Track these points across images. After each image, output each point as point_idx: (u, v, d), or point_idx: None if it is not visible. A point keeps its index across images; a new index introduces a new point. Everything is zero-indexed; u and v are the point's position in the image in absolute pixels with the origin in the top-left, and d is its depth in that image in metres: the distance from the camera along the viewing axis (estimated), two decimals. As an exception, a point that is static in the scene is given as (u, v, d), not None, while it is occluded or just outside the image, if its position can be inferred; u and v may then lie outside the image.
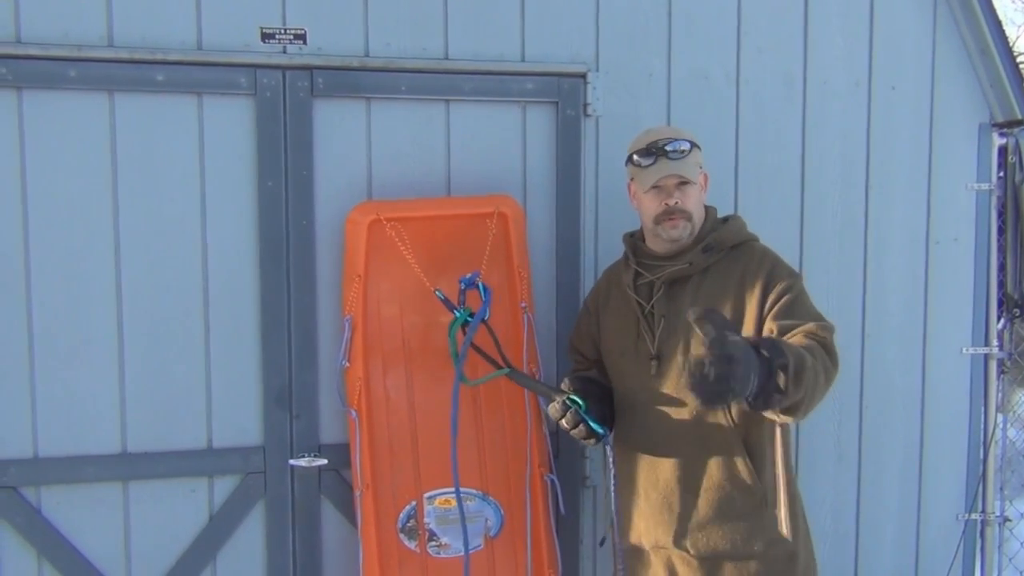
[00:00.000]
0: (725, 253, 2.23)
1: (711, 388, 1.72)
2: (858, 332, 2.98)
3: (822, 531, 2.98)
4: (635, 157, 2.26)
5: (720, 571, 2.18)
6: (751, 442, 2.15)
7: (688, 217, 2.21)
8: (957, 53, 2.99)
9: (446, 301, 2.41)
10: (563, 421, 2.23)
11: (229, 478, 2.56)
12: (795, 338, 2.03)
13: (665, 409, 2.20)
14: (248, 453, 2.56)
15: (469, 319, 2.39)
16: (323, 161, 2.56)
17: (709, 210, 2.31)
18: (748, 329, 2.14)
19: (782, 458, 2.15)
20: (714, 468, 2.16)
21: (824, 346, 2.03)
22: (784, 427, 2.14)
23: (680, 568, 2.22)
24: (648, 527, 2.25)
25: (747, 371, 1.75)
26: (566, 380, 2.32)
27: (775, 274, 2.17)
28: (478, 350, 2.43)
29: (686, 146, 2.21)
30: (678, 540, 2.20)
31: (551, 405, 2.27)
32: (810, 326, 2.06)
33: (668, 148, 2.20)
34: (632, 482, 2.28)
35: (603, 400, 2.31)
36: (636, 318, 2.27)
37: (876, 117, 2.95)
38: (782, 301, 2.12)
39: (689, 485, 2.18)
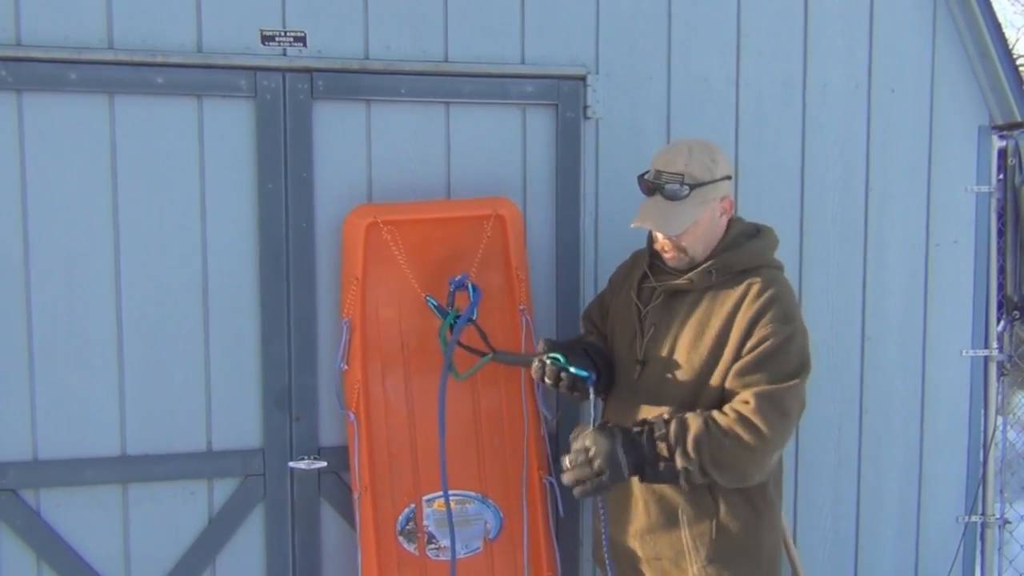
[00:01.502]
0: (731, 276, 2.15)
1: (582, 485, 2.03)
2: (858, 334, 2.98)
3: (822, 533, 2.99)
4: (640, 182, 2.20)
5: None
6: None
7: (684, 250, 2.15)
8: (957, 56, 2.99)
9: (437, 308, 2.43)
10: (546, 379, 2.18)
11: (228, 480, 2.56)
12: (717, 409, 2.05)
13: (640, 412, 2.19)
14: (247, 455, 2.56)
15: (457, 320, 2.41)
16: (323, 163, 2.56)
17: (734, 224, 2.20)
18: (726, 361, 2.09)
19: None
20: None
21: (746, 416, 1.99)
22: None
23: (636, 566, 2.26)
24: (616, 522, 2.28)
25: (612, 461, 2.02)
26: (541, 341, 2.27)
27: (765, 315, 2.07)
28: (466, 348, 2.44)
29: (684, 191, 2.09)
30: (630, 540, 2.23)
31: (533, 368, 2.23)
32: (746, 395, 2.01)
33: (666, 187, 2.11)
34: None
35: (593, 356, 2.26)
36: (633, 320, 2.27)
37: (876, 120, 2.95)
38: (755, 353, 2.04)
39: (643, 491, 2.19)
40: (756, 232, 2.23)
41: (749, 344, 2.06)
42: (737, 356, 2.07)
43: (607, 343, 2.38)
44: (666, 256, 2.20)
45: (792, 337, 2.07)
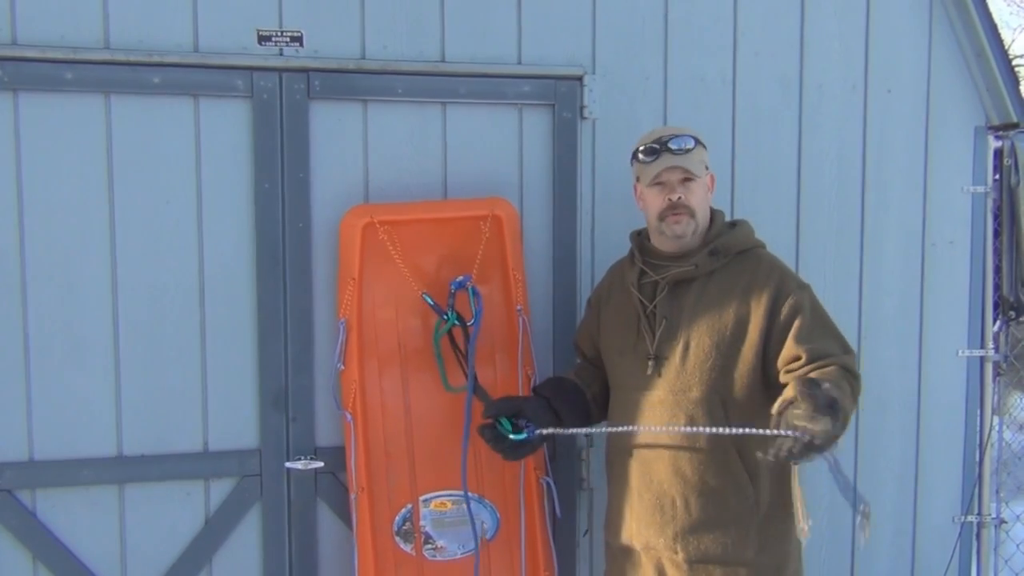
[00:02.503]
0: (731, 258, 2.23)
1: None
2: (854, 334, 2.97)
3: (818, 533, 2.98)
4: (640, 153, 2.26)
5: None
6: (747, 446, 2.13)
7: (692, 213, 2.20)
8: (953, 56, 3.00)
9: (435, 306, 2.44)
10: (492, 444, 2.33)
11: (225, 481, 2.56)
12: (829, 370, 2.05)
13: (660, 410, 2.19)
14: (244, 456, 2.56)
15: (456, 323, 2.45)
16: (320, 163, 2.56)
17: (716, 214, 2.30)
18: (752, 337, 2.14)
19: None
20: (708, 471, 2.15)
21: (854, 385, 2.09)
22: None
23: (670, 571, 2.21)
24: (639, 528, 2.24)
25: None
26: (491, 404, 2.36)
27: (784, 286, 2.17)
28: (459, 355, 2.46)
29: (690, 143, 2.21)
30: (669, 543, 2.19)
31: (479, 429, 2.35)
32: (847, 361, 2.09)
33: (672, 144, 2.20)
34: (625, 481, 2.28)
35: (556, 404, 2.35)
36: (637, 317, 2.27)
37: (872, 120, 2.95)
38: (799, 321, 2.13)
39: (682, 487, 2.17)
40: (734, 223, 2.34)
41: (783, 317, 2.14)
42: (768, 330, 2.14)
43: (595, 367, 2.44)
44: (676, 224, 2.20)
45: (815, 300, 2.21)
